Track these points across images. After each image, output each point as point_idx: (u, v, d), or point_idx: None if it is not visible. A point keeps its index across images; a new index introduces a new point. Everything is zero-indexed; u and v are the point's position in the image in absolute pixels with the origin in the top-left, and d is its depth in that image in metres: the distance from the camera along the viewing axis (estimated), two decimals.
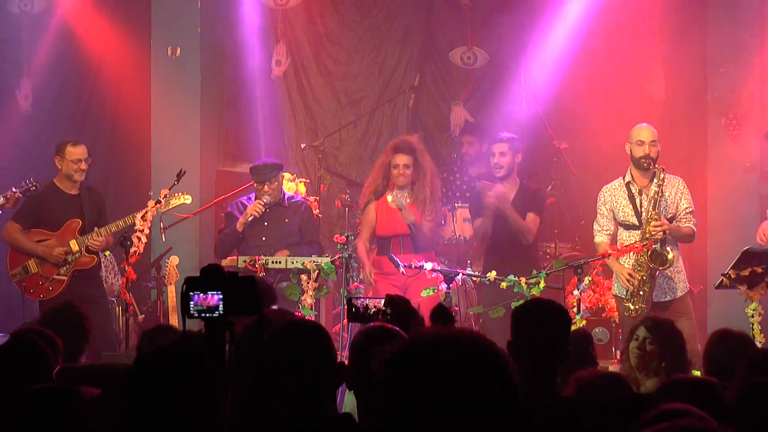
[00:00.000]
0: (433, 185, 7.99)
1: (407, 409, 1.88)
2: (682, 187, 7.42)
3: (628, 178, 7.43)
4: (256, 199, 8.02)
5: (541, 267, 8.05)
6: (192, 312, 2.89)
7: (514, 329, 3.79)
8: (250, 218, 7.90)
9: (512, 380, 1.94)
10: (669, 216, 7.32)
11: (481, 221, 8.10)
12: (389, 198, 8.02)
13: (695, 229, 7.43)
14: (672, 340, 5.25)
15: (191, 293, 2.89)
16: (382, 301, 3.86)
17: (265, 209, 7.99)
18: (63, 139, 8.27)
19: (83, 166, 7.99)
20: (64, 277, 7.89)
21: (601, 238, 7.50)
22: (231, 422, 2.96)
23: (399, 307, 3.79)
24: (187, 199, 8.10)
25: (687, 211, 7.39)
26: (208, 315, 2.89)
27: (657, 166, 7.28)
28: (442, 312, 3.64)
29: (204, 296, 2.89)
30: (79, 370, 4.30)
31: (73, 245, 7.88)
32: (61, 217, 7.97)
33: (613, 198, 7.45)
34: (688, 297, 7.48)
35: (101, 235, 7.90)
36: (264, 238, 7.96)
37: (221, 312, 2.89)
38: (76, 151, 7.98)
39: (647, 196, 7.29)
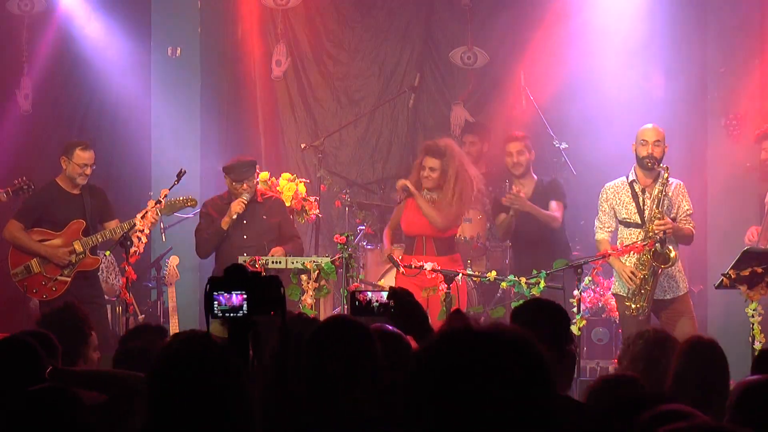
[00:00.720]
0: (457, 193, 7.88)
1: (438, 406, 1.85)
2: (683, 190, 7.49)
3: (632, 176, 7.47)
4: (232, 197, 8.00)
5: (571, 256, 8.11)
6: (216, 312, 2.90)
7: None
8: (235, 216, 7.90)
9: (549, 373, 1.90)
10: (670, 217, 7.34)
11: (504, 217, 8.15)
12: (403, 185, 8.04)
13: (694, 232, 7.49)
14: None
15: (215, 293, 2.89)
16: (385, 295, 3.84)
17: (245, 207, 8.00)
18: (73, 141, 8.26)
19: (88, 171, 7.97)
20: (68, 278, 7.88)
21: (602, 235, 7.53)
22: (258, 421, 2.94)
23: (403, 300, 3.77)
24: (193, 203, 8.12)
25: (687, 213, 7.44)
26: (232, 315, 2.89)
27: (662, 166, 7.31)
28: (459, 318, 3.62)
29: (228, 296, 2.89)
30: (76, 374, 4.27)
31: (77, 246, 7.87)
32: (63, 217, 7.95)
33: (616, 196, 7.48)
34: (688, 296, 7.51)
35: (105, 237, 7.90)
36: (245, 237, 7.95)
37: (245, 312, 2.89)
38: (85, 156, 7.96)
39: (650, 195, 7.32)
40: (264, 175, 8.50)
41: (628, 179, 7.49)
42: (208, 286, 2.91)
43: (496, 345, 1.87)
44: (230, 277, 2.92)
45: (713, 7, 9.66)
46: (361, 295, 3.79)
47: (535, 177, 8.30)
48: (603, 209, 7.54)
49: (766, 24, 9.52)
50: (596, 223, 7.59)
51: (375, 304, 3.77)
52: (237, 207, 7.89)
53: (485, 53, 10.38)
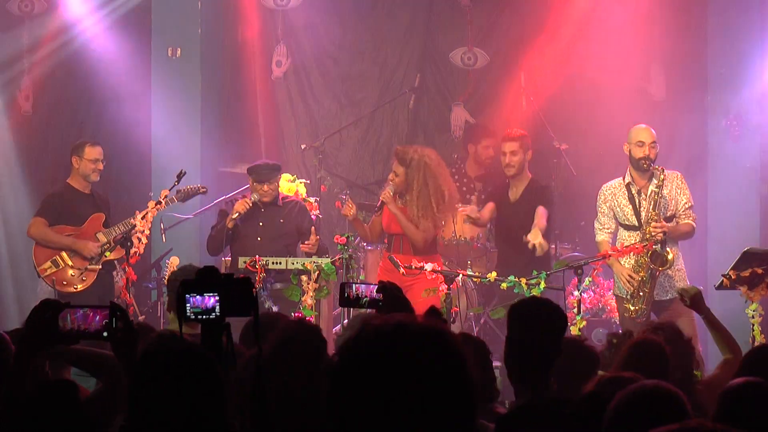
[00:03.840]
0: (420, 204, 7.83)
1: (357, 404, 1.86)
2: (680, 182, 7.43)
3: (627, 178, 7.45)
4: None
5: (552, 263, 8.07)
6: (189, 314, 2.88)
7: (509, 326, 3.83)
8: (236, 215, 7.89)
9: (465, 368, 1.91)
10: (669, 214, 7.33)
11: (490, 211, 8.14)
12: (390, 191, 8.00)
13: (694, 225, 7.45)
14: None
15: (187, 295, 2.89)
16: (375, 288, 3.85)
17: (261, 209, 7.99)
18: (81, 140, 8.42)
19: (100, 166, 8.17)
20: (98, 266, 8.01)
21: (602, 236, 7.52)
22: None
23: (391, 295, 3.78)
24: (204, 190, 8.28)
25: (686, 206, 7.40)
26: (204, 317, 2.88)
27: (657, 167, 7.30)
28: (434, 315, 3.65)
29: (200, 298, 2.88)
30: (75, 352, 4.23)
31: (101, 237, 8.02)
32: (81, 214, 8.10)
33: (613, 197, 7.47)
34: None
35: (127, 227, 7.99)
36: (259, 239, 7.96)
37: (218, 314, 2.88)
38: (95, 151, 8.15)
39: (646, 196, 7.31)
40: (287, 176, 8.52)
41: (624, 180, 7.47)
42: (180, 288, 2.90)
43: (407, 339, 1.89)
44: (202, 279, 2.91)
45: (713, 7, 9.67)
46: (350, 288, 3.80)
47: (530, 175, 8.17)
48: (602, 210, 7.53)
49: (766, 24, 9.52)
50: (596, 224, 7.58)
51: (365, 299, 3.78)
52: (240, 206, 7.90)
53: (485, 54, 10.37)
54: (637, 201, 7.38)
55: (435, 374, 1.86)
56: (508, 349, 3.77)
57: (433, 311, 3.68)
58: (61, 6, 10.04)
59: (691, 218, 7.41)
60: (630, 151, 7.40)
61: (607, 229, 7.51)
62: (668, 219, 7.31)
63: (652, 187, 7.27)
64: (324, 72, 10.54)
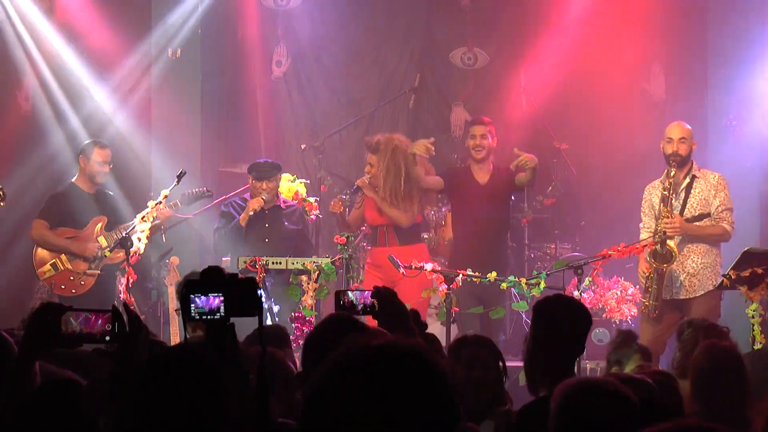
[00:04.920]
0: (396, 184, 7.88)
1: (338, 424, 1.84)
2: (717, 184, 7.36)
3: (664, 175, 7.46)
4: (252, 197, 8.04)
5: (508, 261, 8.10)
6: (193, 315, 2.87)
7: (534, 323, 3.88)
8: (251, 213, 7.93)
9: (450, 395, 1.90)
10: (697, 214, 7.27)
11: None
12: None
13: (728, 229, 7.31)
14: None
15: (191, 296, 2.87)
16: (369, 294, 3.85)
17: (265, 211, 8.01)
18: (90, 140, 8.47)
19: (106, 168, 8.22)
20: (97, 271, 8.04)
21: (643, 235, 7.54)
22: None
23: (386, 300, 3.77)
24: (209, 194, 8.33)
25: (720, 209, 7.32)
26: (209, 317, 2.87)
27: (671, 164, 7.27)
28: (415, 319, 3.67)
29: (205, 299, 2.87)
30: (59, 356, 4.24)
31: (102, 241, 8.02)
32: (84, 216, 8.13)
33: (650, 195, 7.50)
34: (710, 295, 7.40)
35: (128, 230, 7.98)
36: (267, 240, 7.98)
37: (222, 314, 2.87)
38: (103, 153, 8.20)
39: (676, 193, 7.33)
40: (287, 176, 8.53)
41: (663, 178, 7.49)
42: (184, 288, 2.89)
43: (391, 360, 1.88)
44: (207, 279, 2.89)
45: (713, 6, 9.67)
46: (344, 295, 3.80)
47: (492, 166, 8.12)
48: (643, 210, 7.55)
49: (766, 24, 9.52)
50: (640, 224, 7.59)
51: (360, 305, 3.78)
52: (255, 204, 7.93)
53: (485, 54, 10.38)
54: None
55: (418, 397, 1.85)
56: (533, 345, 3.83)
57: (415, 317, 3.70)
58: (60, 5, 10.03)
59: (725, 221, 7.31)
60: (663, 148, 7.41)
61: (647, 228, 7.48)
62: (696, 219, 7.28)
63: (664, 184, 7.29)
64: (324, 72, 10.55)
